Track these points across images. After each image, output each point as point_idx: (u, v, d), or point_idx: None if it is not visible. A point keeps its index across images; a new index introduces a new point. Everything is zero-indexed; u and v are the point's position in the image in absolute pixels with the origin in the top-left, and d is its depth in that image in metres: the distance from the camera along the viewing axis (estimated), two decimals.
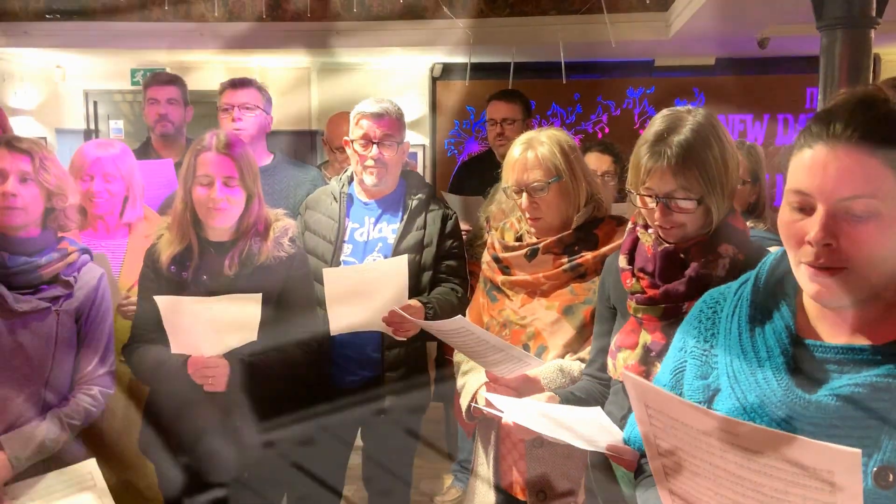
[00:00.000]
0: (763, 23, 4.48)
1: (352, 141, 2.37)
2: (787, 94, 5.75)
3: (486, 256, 2.03)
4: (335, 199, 2.42)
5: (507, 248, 1.94)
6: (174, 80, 3.26)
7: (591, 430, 1.33)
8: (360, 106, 2.38)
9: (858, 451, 0.76)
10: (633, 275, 1.55)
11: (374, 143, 2.31)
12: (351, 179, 2.46)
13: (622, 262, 1.59)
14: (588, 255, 1.83)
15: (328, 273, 2.18)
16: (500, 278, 1.95)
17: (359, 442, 2.52)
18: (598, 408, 1.49)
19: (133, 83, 6.23)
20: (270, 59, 5.89)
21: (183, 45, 5.33)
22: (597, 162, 2.90)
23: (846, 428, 0.91)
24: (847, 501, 0.78)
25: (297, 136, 5.74)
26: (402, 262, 2.19)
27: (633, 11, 4.81)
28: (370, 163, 2.32)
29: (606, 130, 5.95)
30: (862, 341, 0.95)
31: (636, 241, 1.58)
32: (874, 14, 2.78)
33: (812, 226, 0.92)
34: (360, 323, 2.22)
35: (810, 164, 0.93)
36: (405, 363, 2.35)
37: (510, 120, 3.36)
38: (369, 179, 2.35)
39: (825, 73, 2.88)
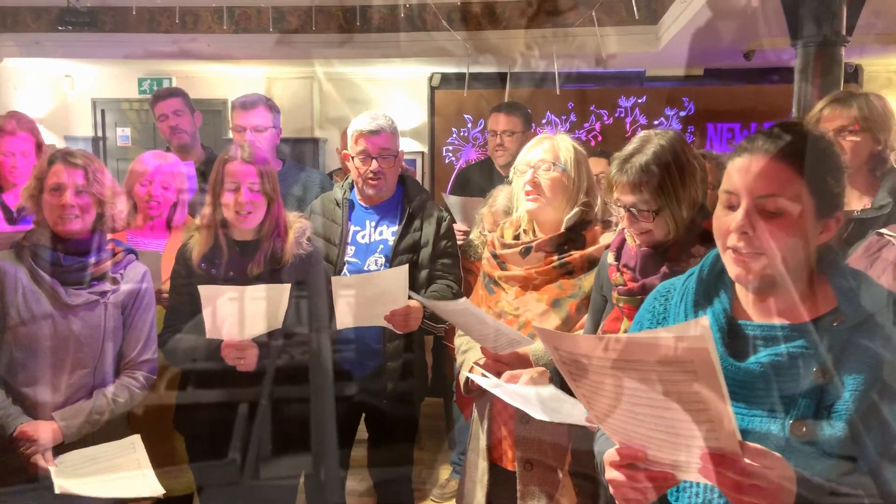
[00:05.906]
0: (747, 37, 4.68)
1: (352, 157, 2.58)
2: (772, 103, 5.92)
3: (486, 253, 2.24)
4: (338, 204, 2.61)
5: (504, 246, 2.14)
6: (175, 93, 3.47)
7: (559, 405, 1.52)
8: (357, 124, 2.57)
9: (705, 318, 0.94)
10: (618, 269, 1.78)
11: (372, 157, 2.52)
12: (352, 186, 2.65)
13: (610, 258, 1.82)
14: (576, 254, 2.03)
15: (336, 281, 2.36)
16: (497, 273, 2.14)
17: (363, 433, 2.70)
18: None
19: (140, 92, 6.37)
20: (275, 69, 6.09)
21: (190, 55, 5.51)
22: (595, 164, 3.08)
23: (768, 388, 1.14)
24: (704, 380, 0.91)
25: (300, 144, 5.91)
26: (403, 271, 2.37)
27: (624, 25, 5.01)
28: (370, 175, 2.53)
29: (599, 138, 6.11)
30: (782, 321, 1.19)
31: (624, 240, 1.82)
32: (844, 33, 2.99)
33: (735, 218, 1.17)
34: (363, 321, 2.39)
35: (737, 169, 1.19)
36: (405, 353, 2.55)
37: (510, 132, 3.49)
38: (370, 191, 2.57)
39: (800, 87, 3.09)
